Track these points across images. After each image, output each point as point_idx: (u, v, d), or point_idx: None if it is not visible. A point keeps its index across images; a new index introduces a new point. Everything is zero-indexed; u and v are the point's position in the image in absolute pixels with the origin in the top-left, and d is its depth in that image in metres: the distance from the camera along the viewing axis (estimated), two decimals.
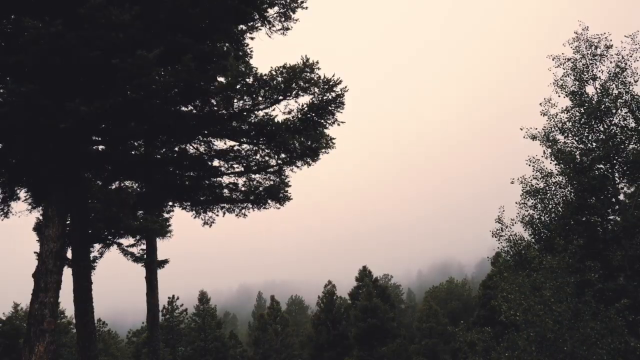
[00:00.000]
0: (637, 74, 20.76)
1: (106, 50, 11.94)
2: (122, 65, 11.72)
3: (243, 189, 17.51)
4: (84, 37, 11.75)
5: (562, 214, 21.00)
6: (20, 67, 12.05)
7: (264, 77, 13.65)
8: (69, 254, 16.94)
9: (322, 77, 13.94)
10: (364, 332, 47.19)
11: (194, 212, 18.60)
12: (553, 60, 21.98)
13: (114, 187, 17.41)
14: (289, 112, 14.83)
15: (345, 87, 14.36)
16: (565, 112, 21.79)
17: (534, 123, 25.09)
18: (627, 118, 20.76)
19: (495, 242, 22.19)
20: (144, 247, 26.59)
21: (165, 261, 27.85)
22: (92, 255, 20.56)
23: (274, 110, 14.75)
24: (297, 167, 16.48)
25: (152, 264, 26.36)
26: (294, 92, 14.18)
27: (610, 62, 21.11)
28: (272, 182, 17.22)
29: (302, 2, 15.91)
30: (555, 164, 21.75)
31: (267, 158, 16.43)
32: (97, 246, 23.21)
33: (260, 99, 14.20)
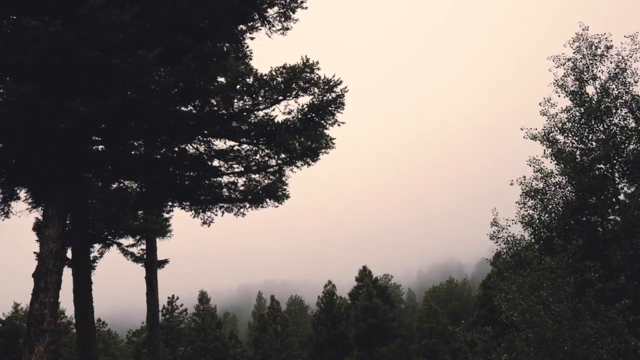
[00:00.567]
0: (637, 74, 20.76)
1: (106, 50, 11.93)
2: (122, 65, 11.71)
3: (242, 188, 17.52)
4: (84, 37, 11.75)
5: (562, 214, 20.99)
6: (20, 67, 12.05)
7: (264, 77, 13.65)
8: (69, 254, 16.94)
9: (322, 78, 13.93)
10: (364, 332, 47.18)
11: (193, 211, 18.62)
12: (553, 60, 21.99)
13: (114, 187, 17.42)
14: (289, 113, 14.83)
15: (346, 87, 14.36)
16: (565, 112, 21.79)
17: (535, 123, 25.10)
18: (627, 118, 20.76)
19: (494, 243, 22.20)
20: (144, 247, 26.58)
21: (165, 261, 27.84)
22: (92, 255, 20.55)
23: (274, 110, 14.75)
24: (297, 167, 16.48)
25: (152, 264, 26.35)
26: (294, 93, 14.17)
27: (611, 63, 21.12)
28: (270, 181, 17.23)
29: (302, 2, 15.90)
30: (555, 164, 21.75)
31: (267, 158, 16.44)
32: (97, 246, 23.19)
33: (260, 99, 14.19)
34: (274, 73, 13.63)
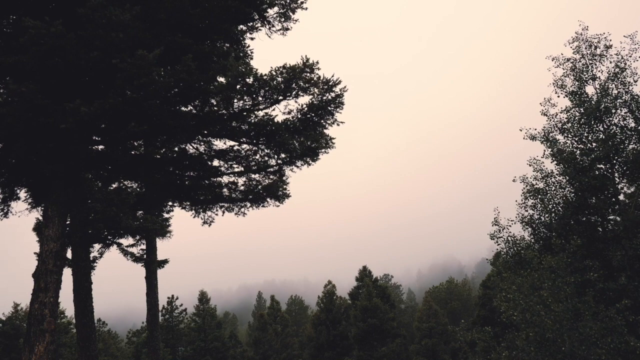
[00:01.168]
0: (636, 74, 20.75)
1: (106, 50, 11.94)
2: (122, 65, 11.72)
3: (242, 188, 17.52)
4: (84, 37, 11.75)
5: (562, 214, 20.99)
6: (20, 67, 12.05)
7: (264, 77, 13.65)
8: (69, 254, 16.94)
9: (321, 77, 13.95)
10: (364, 332, 47.16)
11: (193, 211, 18.63)
12: (552, 60, 21.99)
13: (114, 187, 17.42)
14: (289, 112, 14.84)
15: (345, 87, 14.38)
16: (565, 112, 21.79)
17: (537, 123, 25.12)
18: (627, 118, 20.74)
19: (495, 243, 22.19)
20: (143, 247, 26.55)
21: (165, 261, 27.83)
22: (92, 255, 20.51)
23: (273, 110, 14.76)
24: (297, 167, 16.49)
25: (151, 264, 26.32)
26: (294, 92, 14.18)
27: (610, 62, 21.10)
28: (271, 181, 17.23)
29: (301, 3, 15.91)
30: (556, 164, 21.74)
31: (266, 158, 16.45)
32: (97, 246, 23.14)
33: (260, 99, 14.20)
34: (274, 73, 13.64)
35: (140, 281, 26.48)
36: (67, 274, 14.28)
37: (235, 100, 14.20)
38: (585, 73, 21.43)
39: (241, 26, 16.49)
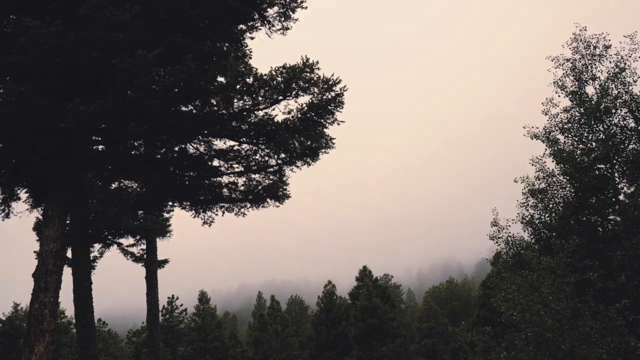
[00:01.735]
0: (636, 74, 20.73)
1: (106, 50, 11.93)
2: (122, 65, 11.72)
3: (242, 188, 17.53)
4: (84, 37, 11.75)
5: (563, 214, 20.99)
6: (20, 67, 12.05)
7: (264, 77, 13.66)
8: (69, 254, 16.95)
9: (321, 77, 13.94)
10: (364, 332, 47.16)
11: (193, 211, 18.63)
12: (552, 61, 21.98)
13: (114, 187, 17.42)
14: (289, 112, 14.84)
15: (345, 86, 14.37)
16: (565, 112, 21.78)
17: (538, 123, 25.15)
18: (627, 118, 20.73)
19: (495, 243, 22.19)
20: (143, 247, 26.58)
21: (165, 261, 27.86)
22: (92, 255, 20.55)
23: (273, 110, 14.77)
24: (297, 167, 16.49)
25: (151, 263, 26.35)
26: (294, 92, 14.18)
27: (610, 62, 21.09)
28: (271, 181, 17.23)
29: (301, 2, 15.90)
30: (556, 164, 21.75)
31: (267, 158, 16.45)
32: (97, 246, 23.19)
33: (260, 99, 14.20)
34: (274, 73, 13.64)
35: (140, 281, 26.52)
36: (67, 273, 14.29)
37: (235, 100, 14.20)
38: (585, 73, 21.42)
39: (241, 26, 16.48)
